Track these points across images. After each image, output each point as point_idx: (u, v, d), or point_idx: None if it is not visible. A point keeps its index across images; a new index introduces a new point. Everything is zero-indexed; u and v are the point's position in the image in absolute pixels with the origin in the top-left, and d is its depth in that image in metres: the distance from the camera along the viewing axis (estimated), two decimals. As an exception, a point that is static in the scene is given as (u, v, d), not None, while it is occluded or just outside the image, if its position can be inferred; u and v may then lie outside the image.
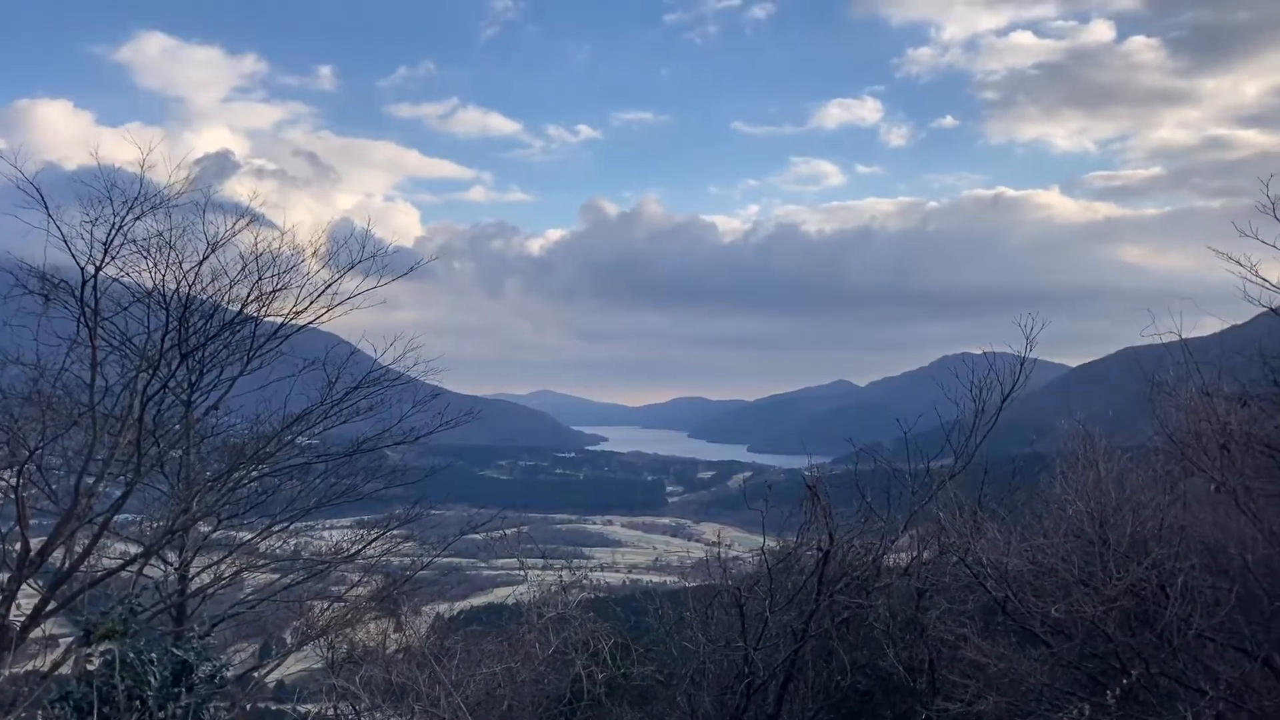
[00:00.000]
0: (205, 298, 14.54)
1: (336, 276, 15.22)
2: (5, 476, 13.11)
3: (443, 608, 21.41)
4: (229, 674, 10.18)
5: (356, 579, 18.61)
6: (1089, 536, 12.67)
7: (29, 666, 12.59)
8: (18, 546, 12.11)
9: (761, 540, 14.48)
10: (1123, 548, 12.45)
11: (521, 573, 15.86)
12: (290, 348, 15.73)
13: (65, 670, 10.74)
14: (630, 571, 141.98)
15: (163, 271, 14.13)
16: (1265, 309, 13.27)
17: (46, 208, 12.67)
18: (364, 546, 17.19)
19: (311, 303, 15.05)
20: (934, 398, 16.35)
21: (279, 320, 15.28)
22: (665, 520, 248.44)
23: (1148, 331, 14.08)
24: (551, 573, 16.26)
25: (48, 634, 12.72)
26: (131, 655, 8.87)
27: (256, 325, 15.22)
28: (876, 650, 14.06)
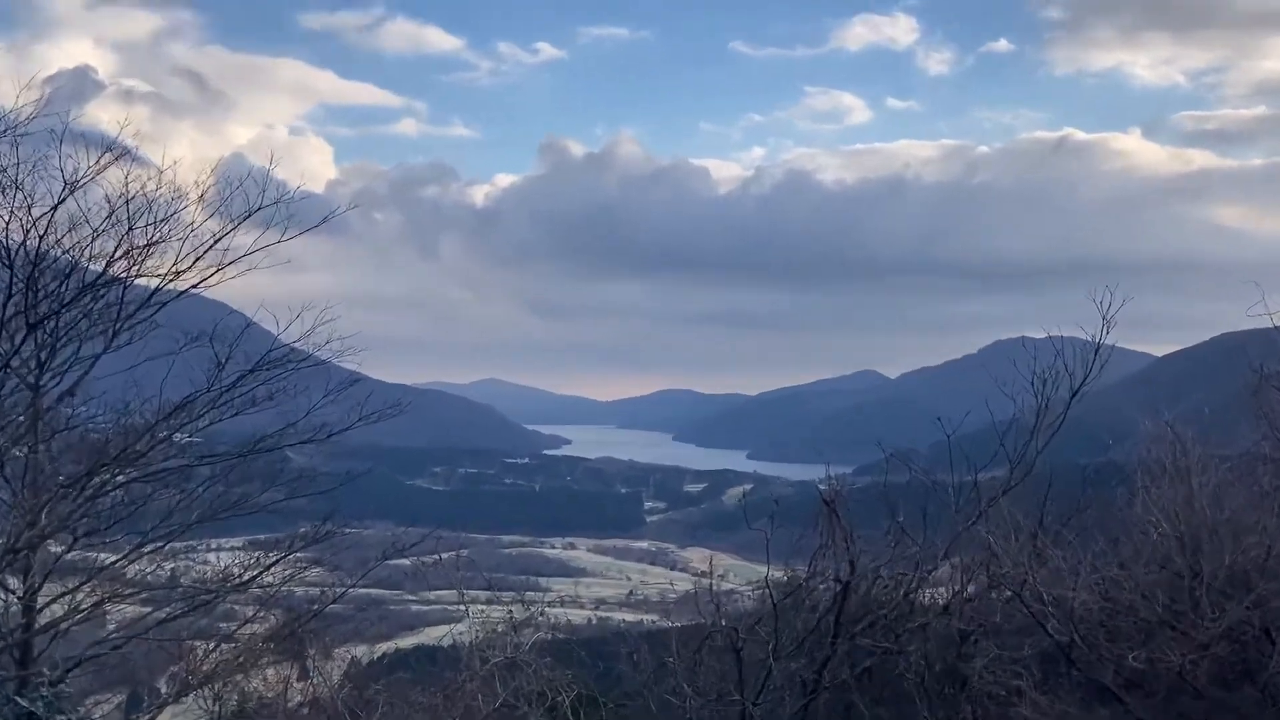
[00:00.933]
0: (60, 253, 14.47)
1: (228, 229, 15.24)
2: None
3: (361, 650, 21.50)
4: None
5: (251, 613, 18.59)
6: (1177, 567, 12.82)
7: None
8: None
9: (764, 570, 14.61)
10: (1219, 582, 12.58)
11: (460, 607, 15.86)
12: (168, 318, 15.68)
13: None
14: (599, 607, 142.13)
15: (5, 218, 14.06)
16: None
17: None
18: (260, 572, 17.16)
19: (196, 261, 15.07)
20: (984, 392, 16.43)
21: (154, 283, 15.26)
22: (643, 544, 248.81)
23: (1253, 311, 14.23)
24: (499, 608, 16.28)
25: None
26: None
27: (125, 289, 15.17)
28: (907, 707, 14.22)
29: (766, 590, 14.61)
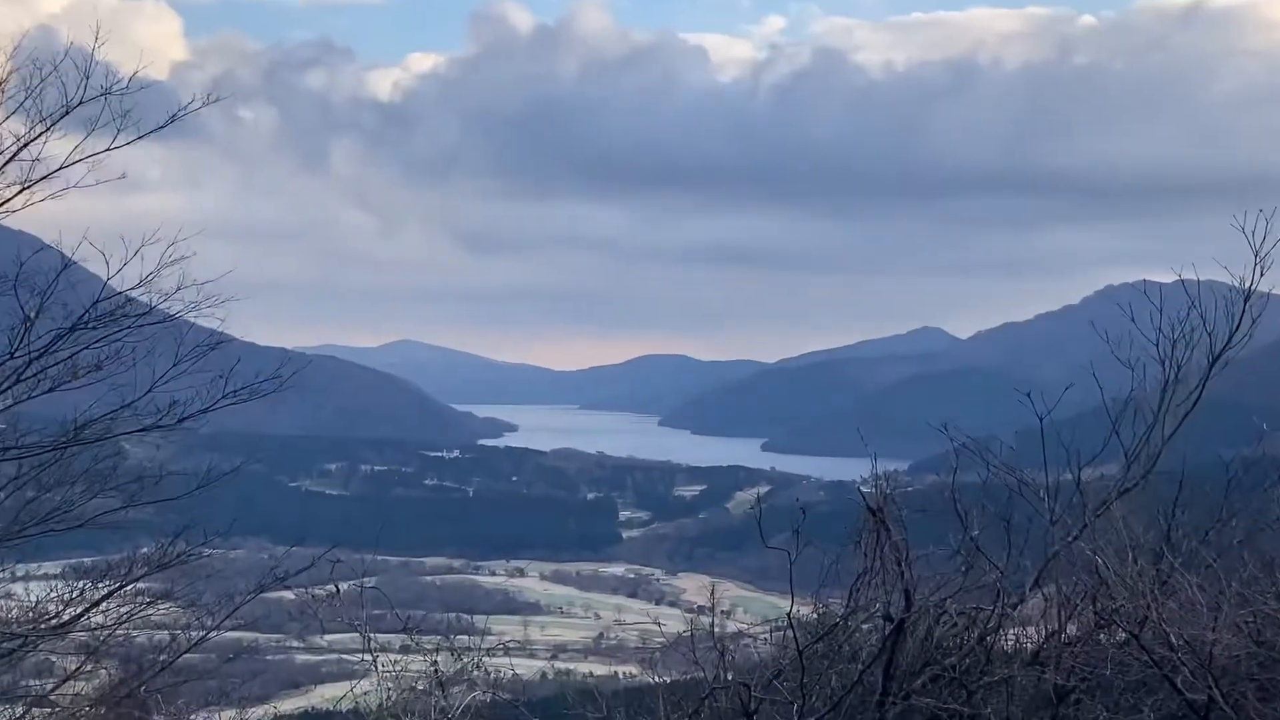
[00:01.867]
0: None
1: (34, 132, 15.19)
2: None
3: (228, 717, 21.42)
4: None
5: (73, 666, 18.54)
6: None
7: None
8: None
9: (786, 604, 14.55)
10: None
11: (365, 657, 15.76)
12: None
13: None
14: (557, 656, 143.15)
15: None
16: None
17: None
18: (86, 610, 17.16)
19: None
20: (1090, 356, 16.51)
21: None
22: (617, 569, 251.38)
23: None
24: (418, 658, 16.15)
25: None
26: None
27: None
28: (983, 792, 14.24)
29: (790, 632, 14.55)
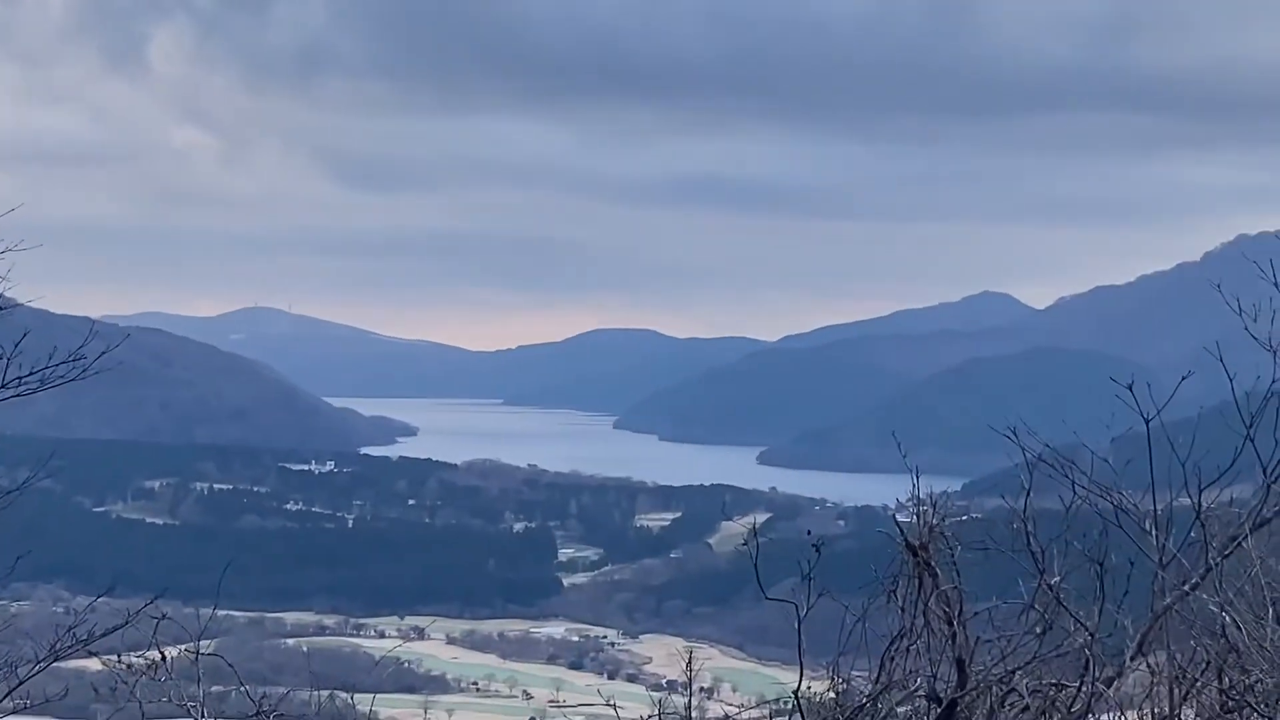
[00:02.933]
0: None
1: None
2: None
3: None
4: None
5: None
6: None
7: None
8: None
9: (791, 679, 14.71)
10: None
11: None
12: None
13: None
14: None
15: None
16: None
17: None
18: None
19: None
20: (1215, 331, 16.45)
21: None
22: (555, 630, 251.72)
23: None
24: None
25: None
26: None
27: None
28: None
29: (798, 717, 14.75)
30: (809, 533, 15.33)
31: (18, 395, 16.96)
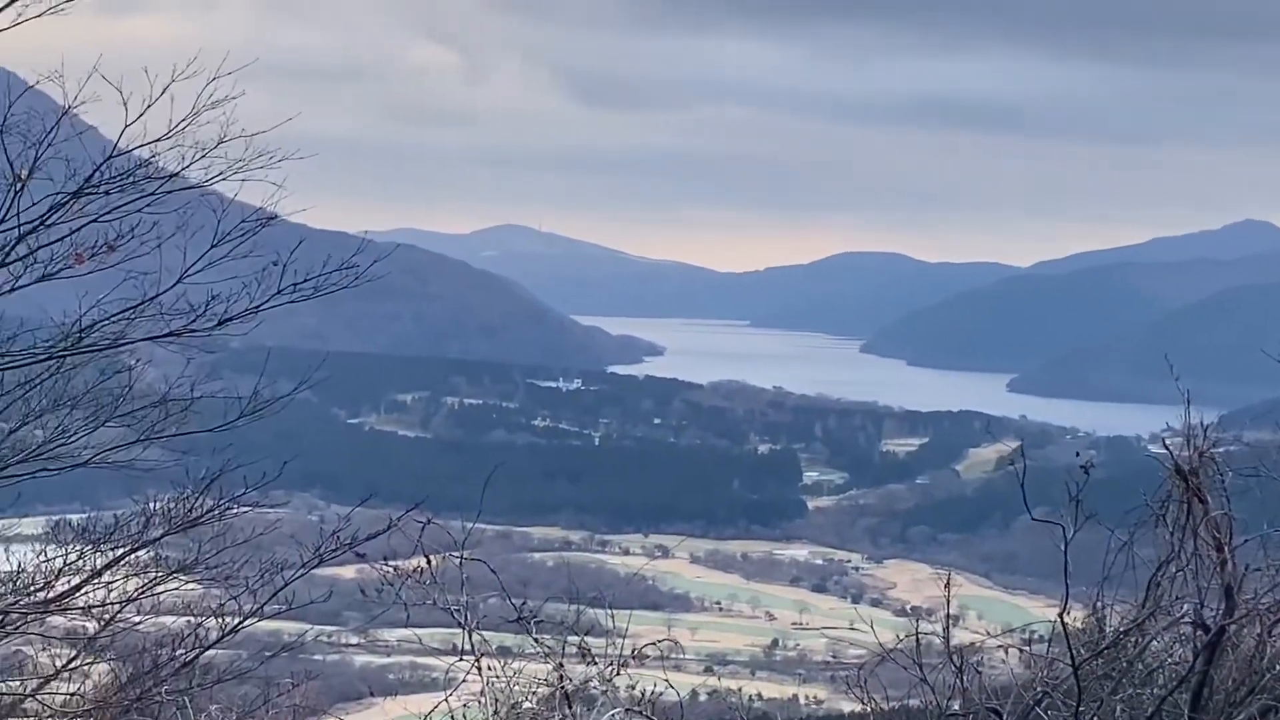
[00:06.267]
0: None
1: None
2: None
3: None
4: None
5: (62, 661, 18.72)
6: None
7: None
8: None
9: (1050, 606, 14.89)
10: None
11: (457, 662, 15.85)
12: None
13: None
14: (713, 670, 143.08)
15: None
16: None
17: None
18: (80, 585, 17.30)
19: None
20: None
21: None
22: (799, 553, 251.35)
23: None
24: (526, 661, 16.38)
25: None
26: None
27: None
28: None
29: (1063, 641, 14.49)
30: (1077, 455, 15.25)
31: (292, 301, 17.06)
